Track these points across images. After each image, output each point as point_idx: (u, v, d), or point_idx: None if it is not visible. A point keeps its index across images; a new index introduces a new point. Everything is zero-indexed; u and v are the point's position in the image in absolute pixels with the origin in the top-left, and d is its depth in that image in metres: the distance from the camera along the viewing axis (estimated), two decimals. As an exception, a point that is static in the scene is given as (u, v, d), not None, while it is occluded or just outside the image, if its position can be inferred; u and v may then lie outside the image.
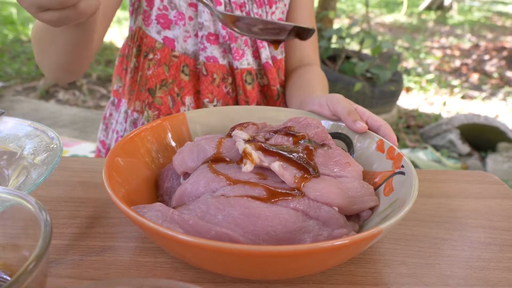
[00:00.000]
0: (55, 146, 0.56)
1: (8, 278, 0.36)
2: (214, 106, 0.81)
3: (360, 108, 0.60)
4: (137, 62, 0.84)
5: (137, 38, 0.82)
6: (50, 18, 0.47)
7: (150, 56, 0.81)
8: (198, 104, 0.83)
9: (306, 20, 0.90)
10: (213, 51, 0.80)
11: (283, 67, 0.89)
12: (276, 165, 0.44)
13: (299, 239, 0.41)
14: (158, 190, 0.53)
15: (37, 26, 0.66)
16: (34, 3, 0.45)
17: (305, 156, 0.48)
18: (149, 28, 0.80)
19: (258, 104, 0.85)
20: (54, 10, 0.46)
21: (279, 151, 0.47)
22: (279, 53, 0.87)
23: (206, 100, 0.81)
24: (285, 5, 0.87)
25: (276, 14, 0.85)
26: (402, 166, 0.49)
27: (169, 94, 0.81)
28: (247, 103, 0.83)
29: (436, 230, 0.52)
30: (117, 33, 4.65)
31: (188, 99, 0.81)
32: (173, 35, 0.79)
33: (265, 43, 0.84)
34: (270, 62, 0.85)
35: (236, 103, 0.85)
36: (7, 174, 0.56)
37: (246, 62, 0.82)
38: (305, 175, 0.45)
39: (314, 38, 0.92)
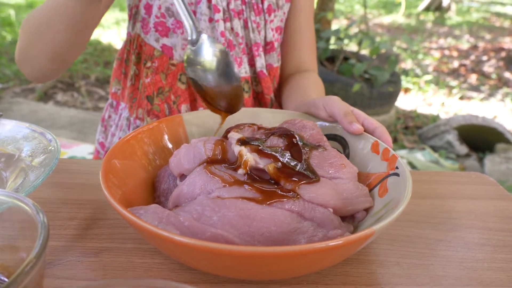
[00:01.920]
0: (52, 148, 0.56)
1: (6, 279, 0.36)
2: None
3: (356, 111, 0.60)
4: (137, 70, 0.84)
5: (136, 46, 0.82)
6: None
7: (148, 64, 0.81)
8: None
9: (305, 28, 0.89)
10: None
11: (278, 75, 0.89)
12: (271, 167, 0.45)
13: (294, 240, 0.41)
14: (155, 191, 0.53)
15: (41, 10, 0.65)
16: None
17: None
18: (147, 36, 0.80)
19: None
20: None
21: (274, 153, 0.47)
22: (276, 61, 0.87)
23: (201, 108, 0.81)
24: (284, 13, 0.87)
25: (275, 22, 0.85)
26: (397, 168, 0.49)
27: (166, 102, 0.81)
28: None
29: (430, 231, 0.53)
30: (115, 35, 4.66)
31: (184, 107, 0.81)
32: (171, 43, 0.79)
33: (261, 51, 0.84)
34: (265, 71, 0.84)
35: None
36: (5, 176, 0.56)
37: (244, 70, 0.82)
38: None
39: (312, 43, 0.92)
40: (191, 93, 0.82)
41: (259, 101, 0.88)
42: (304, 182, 0.44)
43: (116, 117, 0.92)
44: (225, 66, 0.59)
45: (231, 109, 0.59)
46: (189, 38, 0.59)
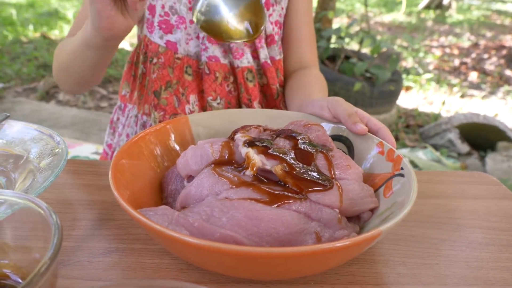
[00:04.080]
0: (60, 150, 0.57)
1: (19, 280, 0.37)
2: (218, 104, 0.83)
3: (360, 111, 0.61)
4: (144, 68, 0.86)
5: (143, 46, 0.85)
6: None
7: (154, 60, 0.83)
8: (202, 103, 0.85)
9: (304, 24, 0.91)
10: (215, 50, 0.82)
11: (281, 67, 0.91)
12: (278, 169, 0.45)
13: (301, 241, 0.42)
14: (162, 192, 0.54)
15: (68, 50, 0.76)
16: None
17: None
18: (152, 35, 0.83)
19: (259, 102, 0.87)
20: None
21: (281, 155, 0.48)
22: (278, 54, 0.89)
23: (209, 98, 0.83)
24: (282, 8, 0.89)
25: (274, 16, 0.87)
26: (402, 168, 0.50)
27: (175, 95, 0.83)
28: (249, 100, 0.85)
29: (435, 231, 0.53)
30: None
31: (192, 97, 0.83)
32: (175, 39, 0.82)
33: (263, 43, 0.85)
34: (269, 61, 0.87)
35: (238, 101, 0.86)
36: (14, 178, 0.57)
37: (246, 60, 0.84)
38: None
39: (312, 39, 0.93)
40: (198, 84, 0.84)
41: (264, 93, 0.89)
42: (319, 189, 0.45)
43: (123, 119, 0.94)
44: None
45: (255, 28, 0.58)
46: None
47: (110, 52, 0.71)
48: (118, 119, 0.96)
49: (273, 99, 0.89)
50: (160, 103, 0.83)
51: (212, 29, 0.59)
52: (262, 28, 0.56)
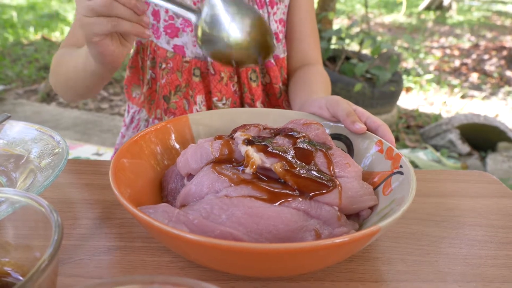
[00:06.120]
0: (60, 150, 0.57)
1: (20, 277, 0.37)
2: (223, 104, 0.84)
3: (359, 109, 0.61)
4: (153, 74, 0.86)
5: (150, 51, 0.85)
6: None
7: (163, 66, 0.83)
8: (209, 103, 0.85)
9: (307, 21, 0.91)
10: None
11: (285, 65, 0.91)
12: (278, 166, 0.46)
13: (301, 238, 0.42)
14: (162, 191, 0.54)
15: (67, 67, 0.76)
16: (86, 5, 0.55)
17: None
18: (160, 40, 0.83)
19: (262, 102, 0.87)
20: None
21: (281, 153, 0.48)
22: (282, 52, 0.89)
23: (215, 98, 0.83)
24: (285, 6, 0.89)
25: (278, 14, 0.87)
26: (401, 166, 0.50)
27: (184, 98, 0.84)
28: (252, 100, 0.85)
29: (434, 229, 0.53)
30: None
31: (199, 98, 0.84)
32: (182, 42, 0.81)
33: None
34: (272, 60, 0.87)
35: (242, 101, 0.86)
36: (15, 177, 0.57)
37: None
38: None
39: (315, 36, 0.94)
40: (205, 85, 0.84)
41: (267, 92, 0.90)
42: (324, 192, 0.45)
43: (128, 119, 0.94)
44: (236, 12, 0.60)
45: (265, 50, 0.61)
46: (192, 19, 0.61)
47: (111, 74, 0.72)
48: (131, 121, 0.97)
49: (275, 98, 0.89)
50: (170, 107, 0.84)
51: (219, 56, 0.61)
52: (272, 51, 0.60)
